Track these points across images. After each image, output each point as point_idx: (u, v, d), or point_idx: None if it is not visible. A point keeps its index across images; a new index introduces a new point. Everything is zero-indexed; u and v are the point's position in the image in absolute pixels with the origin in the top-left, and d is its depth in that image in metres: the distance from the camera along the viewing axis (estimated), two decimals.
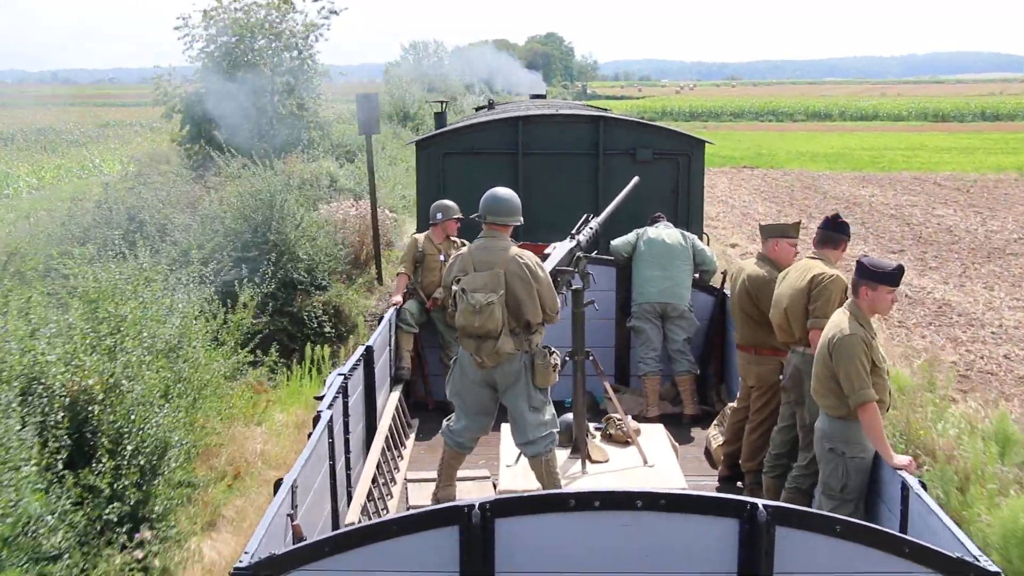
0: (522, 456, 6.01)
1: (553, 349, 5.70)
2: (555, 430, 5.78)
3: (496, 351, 5.52)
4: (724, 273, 8.59)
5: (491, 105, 16.29)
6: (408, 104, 35.33)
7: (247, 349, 8.53)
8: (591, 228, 6.58)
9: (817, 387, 5.06)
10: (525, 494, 3.57)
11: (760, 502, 3.45)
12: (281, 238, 11.34)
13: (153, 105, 21.59)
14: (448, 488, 5.98)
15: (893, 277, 4.87)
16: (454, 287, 5.66)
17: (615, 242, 8.30)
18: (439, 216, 8.22)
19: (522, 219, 5.88)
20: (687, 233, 8.37)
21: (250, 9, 19.95)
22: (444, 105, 16.27)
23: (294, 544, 3.85)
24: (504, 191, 5.82)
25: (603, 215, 7.06)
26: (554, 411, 5.84)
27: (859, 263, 4.96)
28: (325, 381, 6.13)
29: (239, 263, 10.38)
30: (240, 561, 3.48)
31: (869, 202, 24.10)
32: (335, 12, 20.33)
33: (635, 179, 7.79)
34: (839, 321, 4.94)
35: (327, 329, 11.09)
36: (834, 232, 5.82)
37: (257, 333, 9.31)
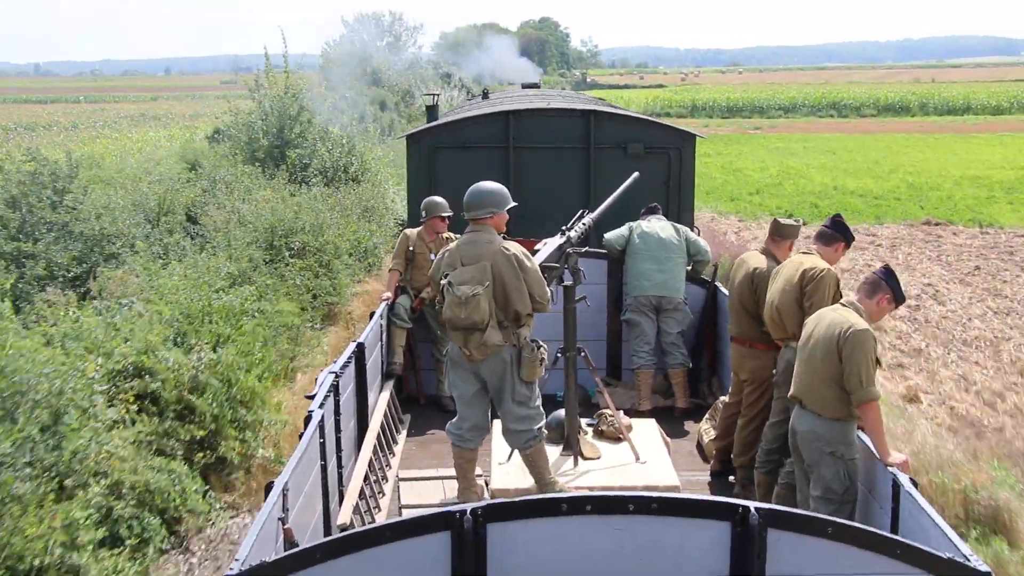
0: (514, 454, 5.99)
1: (541, 343, 5.67)
2: (538, 426, 5.71)
3: (483, 343, 5.49)
4: (715, 266, 8.58)
5: (486, 95, 16.24)
6: (290, 126, 18.27)
7: None
8: (584, 224, 6.55)
9: (814, 384, 4.91)
10: (517, 499, 3.55)
11: (752, 505, 3.45)
12: None
13: None
14: (468, 491, 5.88)
15: (903, 300, 5.03)
16: (442, 282, 5.65)
17: (608, 235, 8.28)
18: (424, 214, 8.14)
19: (507, 206, 5.72)
20: (679, 225, 8.36)
21: None
22: (436, 98, 16.19)
23: (286, 549, 3.83)
24: (485, 184, 5.76)
25: (598, 211, 7.04)
26: (541, 407, 5.78)
27: (891, 272, 4.96)
28: (316, 379, 6.09)
29: None
30: (231, 569, 3.46)
31: None
32: None
33: (635, 175, 7.78)
34: (846, 316, 4.85)
35: None
36: (831, 230, 5.78)
37: None
